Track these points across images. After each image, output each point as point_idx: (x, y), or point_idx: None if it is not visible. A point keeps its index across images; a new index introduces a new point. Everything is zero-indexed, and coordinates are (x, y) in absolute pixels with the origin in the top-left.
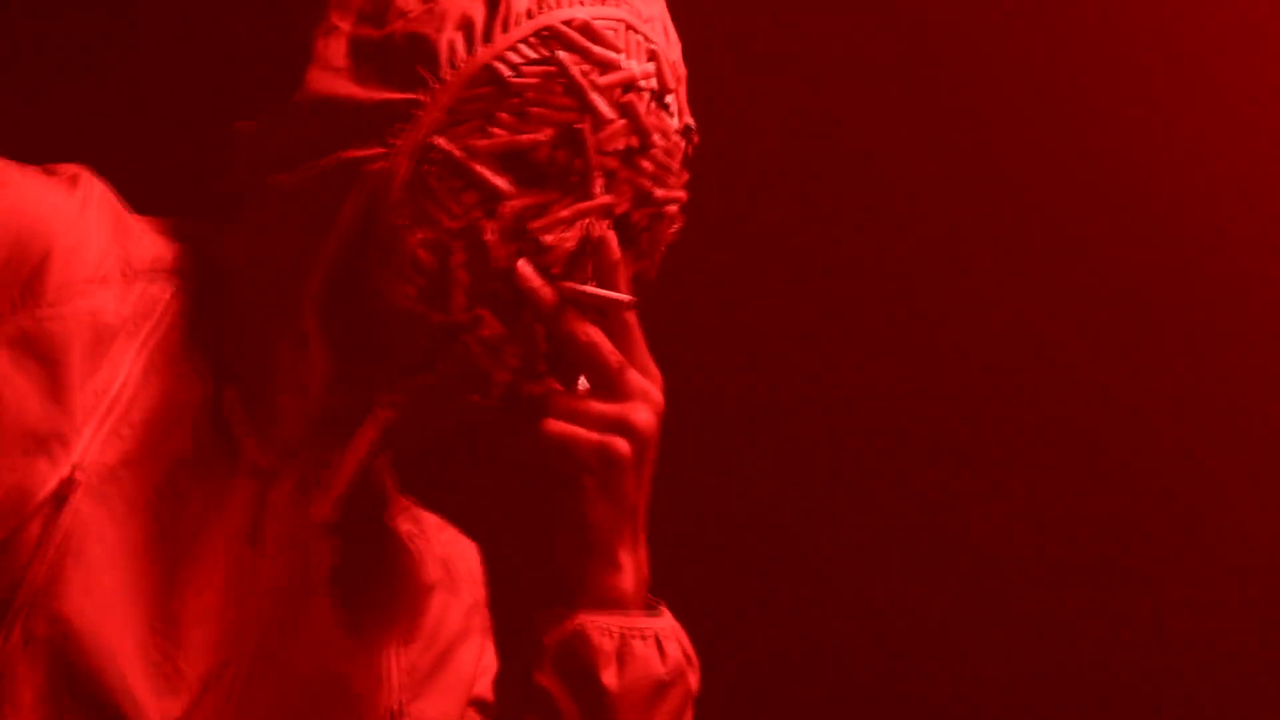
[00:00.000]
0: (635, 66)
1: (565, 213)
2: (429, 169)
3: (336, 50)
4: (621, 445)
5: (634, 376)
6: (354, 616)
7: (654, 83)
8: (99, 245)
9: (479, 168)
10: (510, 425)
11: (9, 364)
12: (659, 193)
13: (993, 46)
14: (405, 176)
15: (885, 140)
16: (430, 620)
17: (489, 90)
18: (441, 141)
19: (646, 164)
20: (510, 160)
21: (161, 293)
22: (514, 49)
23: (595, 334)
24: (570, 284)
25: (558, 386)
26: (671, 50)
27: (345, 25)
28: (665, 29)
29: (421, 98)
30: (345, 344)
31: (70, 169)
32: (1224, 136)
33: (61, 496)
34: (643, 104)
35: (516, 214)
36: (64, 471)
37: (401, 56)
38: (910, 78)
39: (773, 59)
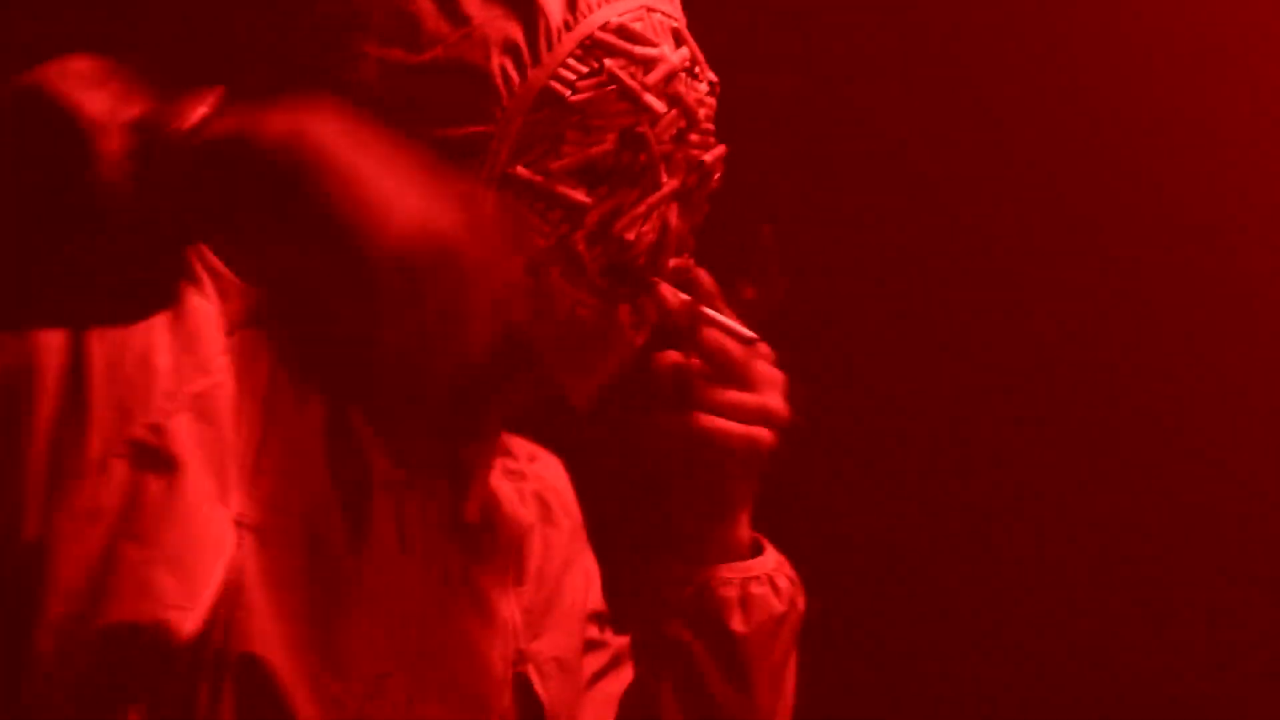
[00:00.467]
0: (671, 54)
1: (641, 209)
2: (513, 197)
3: (368, 78)
4: (765, 435)
5: (760, 366)
6: (474, 580)
7: (688, 62)
8: (209, 311)
9: (560, 188)
10: (643, 412)
11: (182, 439)
12: (708, 157)
13: (1004, 41)
14: (489, 203)
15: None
16: (535, 559)
17: (551, 112)
18: (521, 170)
19: (695, 137)
20: (583, 172)
21: (263, 336)
22: (564, 66)
23: (719, 336)
24: (701, 308)
25: (697, 379)
26: (678, 12)
27: (371, 50)
28: None
29: (489, 129)
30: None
31: None
32: (1238, 127)
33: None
34: (685, 86)
35: (600, 220)
36: (230, 517)
37: (454, 87)
38: (921, 74)
39: (782, 53)
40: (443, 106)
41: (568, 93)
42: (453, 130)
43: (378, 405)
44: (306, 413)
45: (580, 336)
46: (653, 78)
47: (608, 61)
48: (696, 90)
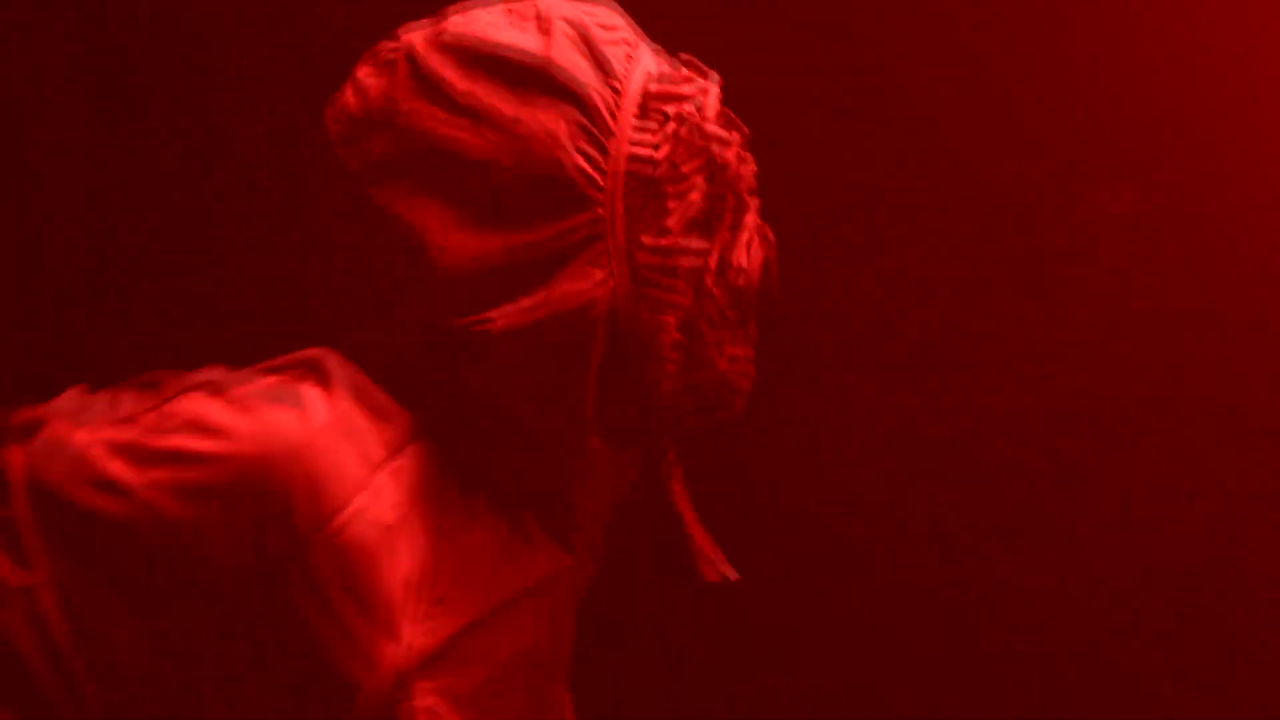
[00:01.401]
0: (712, 92)
1: (744, 233)
2: (642, 266)
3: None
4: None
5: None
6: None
7: (716, 78)
8: (342, 459)
9: (681, 243)
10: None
11: (320, 598)
12: (749, 156)
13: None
14: (627, 284)
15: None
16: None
17: (644, 177)
18: (645, 240)
19: (744, 151)
20: (692, 221)
21: (412, 464)
22: (636, 130)
23: None
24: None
25: None
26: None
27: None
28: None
29: (600, 212)
30: (620, 440)
31: (302, 361)
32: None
33: (404, 685)
34: (728, 119)
35: (720, 258)
36: (399, 663)
37: (541, 187)
38: (927, 73)
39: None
40: (533, 208)
41: (652, 153)
42: (559, 223)
43: (553, 496)
44: (478, 526)
45: (725, 374)
46: (712, 128)
47: (669, 110)
48: (730, 113)
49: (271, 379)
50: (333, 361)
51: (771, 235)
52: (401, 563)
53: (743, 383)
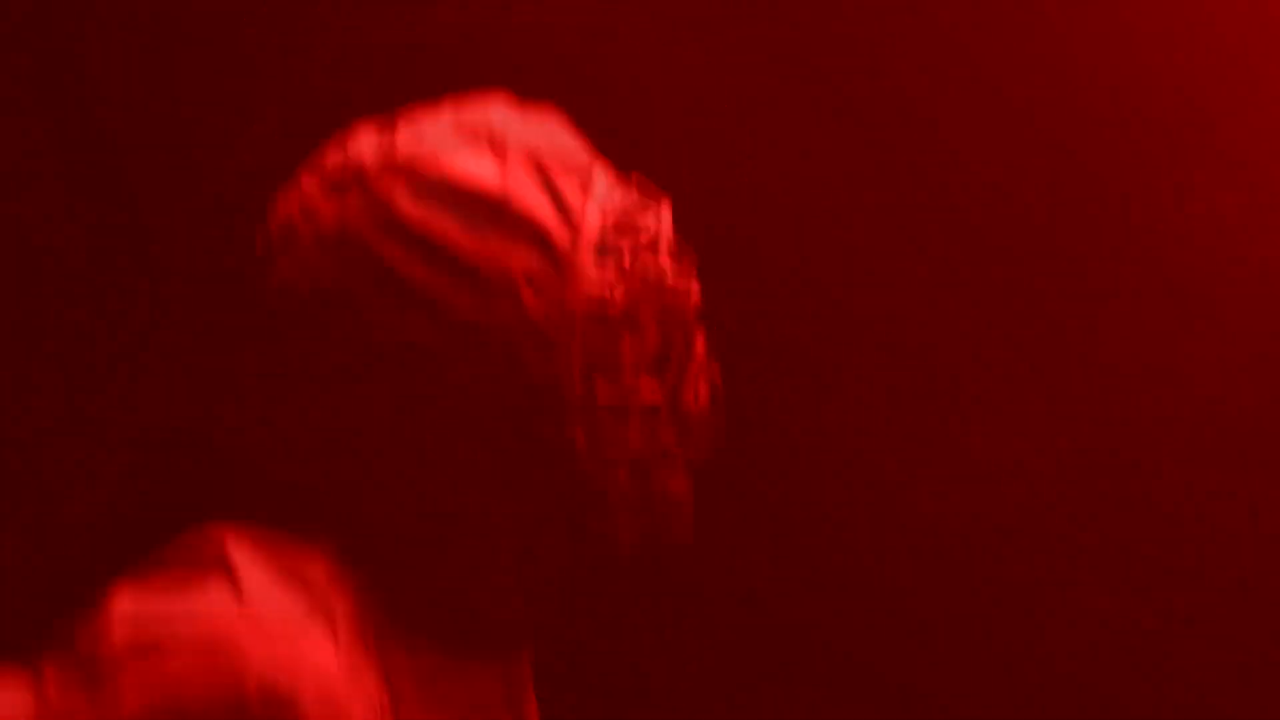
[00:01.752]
0: (665, 219)
1: (692, 369)
2: (599, 417)
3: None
4: None
5: None
6: None
7: (666, 209)
8: (271, 636)
9: (635, 393)
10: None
11: None
12: (696, 284)
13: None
14: (582, 438)
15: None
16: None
17: (602, 321)
18: (602, 387)
19: (693, 278)
20: (647, 367)
21: (345, 626)
22: (595, 273)
23: None
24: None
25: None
26: (587, 152)
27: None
28: (591, 159)
29: (559, 361)
30: (560, 566)
31: (206, 551)
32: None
33: None
34: (679, 247)
35: (670, 400)
36: None
37: (499, 333)
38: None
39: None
40: (501, 357)
41: (610, 295)
42: (523, 383)
43: (486, 613)
44: (421, 656)
45: (670, 509)
46: (664, 241)
47: (626, 247)
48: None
49: (178, 606)
50: (233, 548)
51: (715, 365)
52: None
53: (686, 513)
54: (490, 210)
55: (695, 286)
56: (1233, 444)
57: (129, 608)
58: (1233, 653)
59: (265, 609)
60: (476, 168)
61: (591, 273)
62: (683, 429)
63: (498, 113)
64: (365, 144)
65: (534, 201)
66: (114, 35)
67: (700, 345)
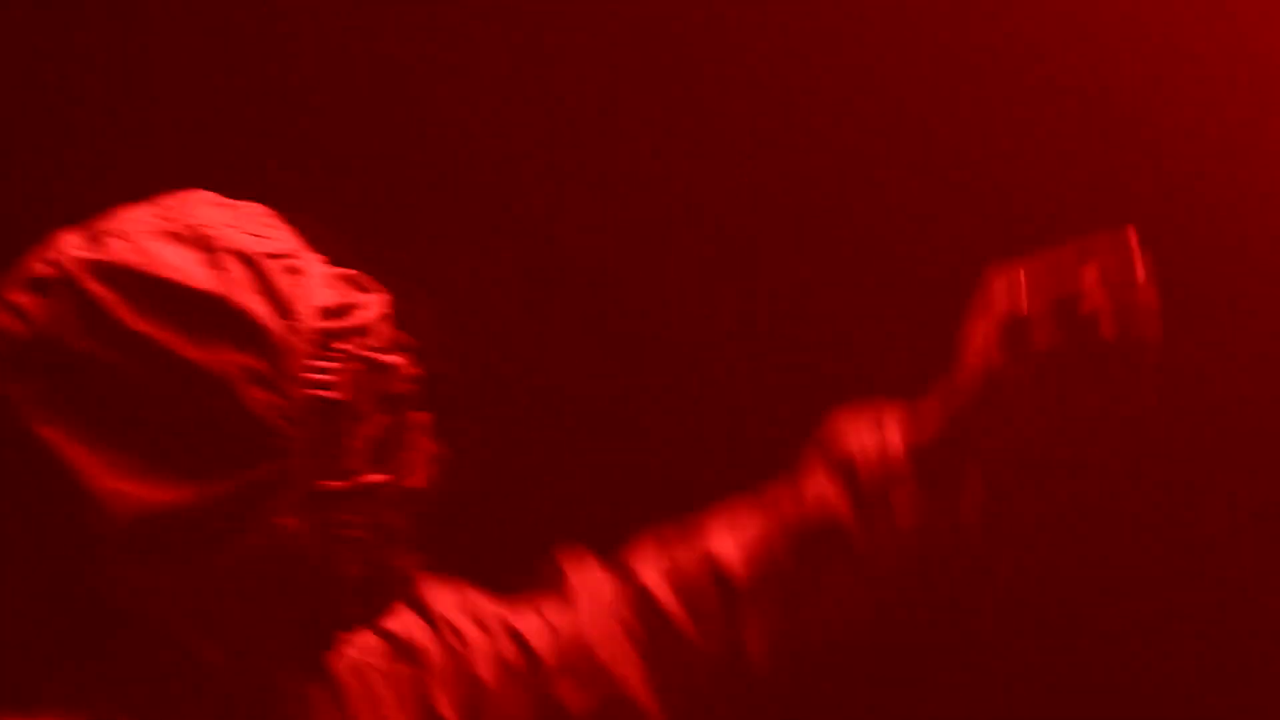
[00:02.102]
0: (381, 313)
1: (417, 456)
2: (327, 511)
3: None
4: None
5: None
6: None
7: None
8: None
9: (361, 480)
10: None
11: None
12: (414, 369)
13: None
14: (310, 534)
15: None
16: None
17: (324, 418)
18: (330, 483)
19: (411, 364)
20: (370, 454)
21: None
22: (316, 372)
23: None
24: None
25: None
26: (294, 239)
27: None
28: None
29: (283, 460)
30: (298, 661)
31: None
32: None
33: None
34: (395, 337)
35: (397, 487)
36: None
37: (222, 435)
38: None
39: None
40: (225, 458)
41: (331, 393)
42: (246, 475)
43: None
44: None
45: (395, 585)
46: (381, 334)
47: (344, 345)
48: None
49: None
50: None
51: (435, 443)
52: None
53: (407, 585)
54: (208, 314)
55: (414, 370)
56: (1232, 444)
57: None
58: (1233, 653)
59: None
60: (191, 272)
61: (312, 373)
62: (406, 506)
63: (203, 211)
64: (70, 244)
65: (251, 303)
66: None
67: (421, 430)
